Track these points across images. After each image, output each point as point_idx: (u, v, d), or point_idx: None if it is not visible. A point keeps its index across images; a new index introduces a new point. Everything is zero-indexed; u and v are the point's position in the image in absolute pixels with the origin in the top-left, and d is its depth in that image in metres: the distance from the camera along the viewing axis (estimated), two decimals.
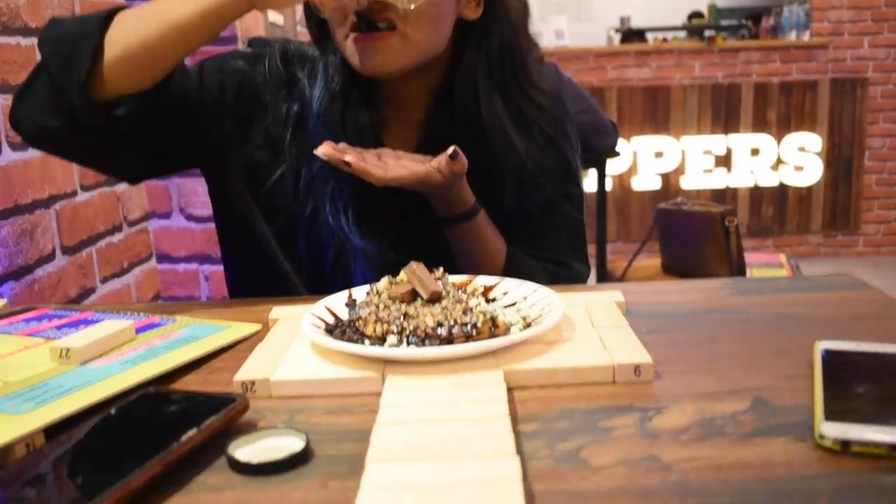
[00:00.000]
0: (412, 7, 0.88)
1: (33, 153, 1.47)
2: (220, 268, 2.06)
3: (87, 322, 0.79)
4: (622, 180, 4.62)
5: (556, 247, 1.05)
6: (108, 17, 0.86)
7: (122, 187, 1.86)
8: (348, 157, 0.84)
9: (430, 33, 0.92)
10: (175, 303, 0.94)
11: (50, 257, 1.52)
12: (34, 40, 1.47)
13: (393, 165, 0.88)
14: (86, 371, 0.64)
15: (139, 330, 0.75)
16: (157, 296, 2.07)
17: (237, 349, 0.74)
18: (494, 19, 0.97)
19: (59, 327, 0.78)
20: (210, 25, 0.85)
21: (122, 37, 0.84)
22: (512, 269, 0.99)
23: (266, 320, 0.80)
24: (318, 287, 0.98)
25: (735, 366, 0.64)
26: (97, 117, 0.85)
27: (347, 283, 0.90)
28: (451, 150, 0.87)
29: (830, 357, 0.61)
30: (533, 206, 1.03)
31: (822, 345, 0.63)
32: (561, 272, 1.03)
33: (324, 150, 0.85)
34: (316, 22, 0.99)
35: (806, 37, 4.59)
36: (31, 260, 1.45)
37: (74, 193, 1.63)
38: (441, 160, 0.88)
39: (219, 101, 0.99)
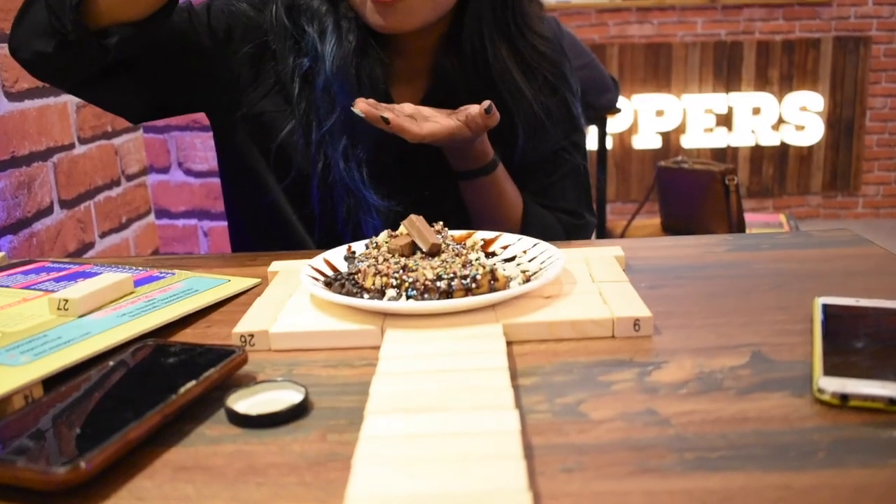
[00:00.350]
0: None
1: (30, 104, 1.46)
2: (219, 224, 2.06)
3: (85, 275, 0.79)
4: (622, 139, 4.59)
5: (566, 197, 1.05)
6: None
7: (119, 140, 1.85)
8: (387, 114, 0.83)
9: None
10: (173, 257, 0.93)
11: (48, 211, 1.51)
12: None
13: (423, 121, 0.87)
14: (84, 323, 0.64)
15: (138, 283, 0.75)
16: (156, 251, 2.07)
17: (236, 303, 0.74)
18: None
19: (57, 280, 0.77)
20: None
21: None
22: (530, 223, 0.99)
23: (265, 274, 0.80)
24: (329, 243, 0.97)
25: (734, 321, 0.64)
26: (89, 43, 0.83)
27: (358, 240, 0.90)
28: (486, 104, 0.86)
29: (830, 312, 0.61)
30: (542, 156, 1.03)
31: (822, 300, 0.63)
32: (574, 222, 1.04)
33: (362, 107, 0.82)
34: None
35: None
36: (29, 213, 1.45)
37: (72, 146, 1.62)
38: (468, 114, 0.87)
39: (227, 44, 0.98)
